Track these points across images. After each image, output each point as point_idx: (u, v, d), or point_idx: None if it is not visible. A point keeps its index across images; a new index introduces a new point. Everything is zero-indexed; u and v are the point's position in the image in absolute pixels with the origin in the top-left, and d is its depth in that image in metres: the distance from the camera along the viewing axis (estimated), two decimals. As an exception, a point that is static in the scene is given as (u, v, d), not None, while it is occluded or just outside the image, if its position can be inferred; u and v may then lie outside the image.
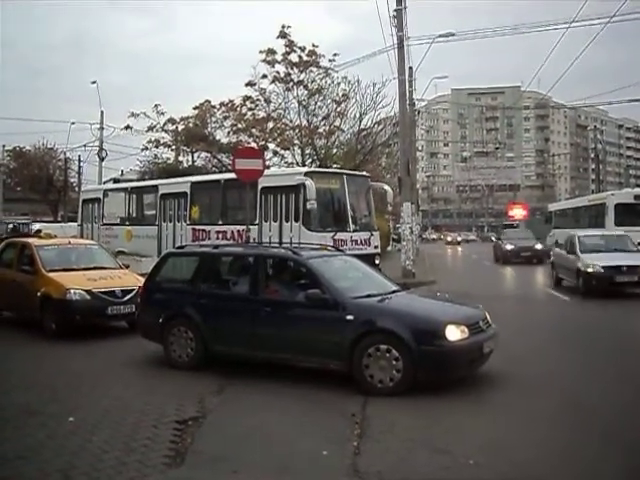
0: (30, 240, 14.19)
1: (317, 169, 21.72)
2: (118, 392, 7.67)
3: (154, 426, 6.31)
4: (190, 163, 38.48)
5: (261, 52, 32.15)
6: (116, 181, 28.63)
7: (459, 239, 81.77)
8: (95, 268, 12.54)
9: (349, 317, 7.79)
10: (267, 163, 23.17)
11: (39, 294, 11.62)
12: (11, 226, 36.36)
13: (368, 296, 8.28)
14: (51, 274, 11.88)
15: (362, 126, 33.25)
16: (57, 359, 9.84)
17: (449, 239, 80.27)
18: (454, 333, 7.53)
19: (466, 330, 7.64)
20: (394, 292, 8.80)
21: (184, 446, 5.86)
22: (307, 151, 33.82)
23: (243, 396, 7.63)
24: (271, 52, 32.16)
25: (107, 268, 12.73)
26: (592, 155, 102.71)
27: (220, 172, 29.36)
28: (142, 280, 12.27)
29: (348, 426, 6.38)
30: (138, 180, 30.49)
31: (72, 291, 11.29)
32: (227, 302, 9.01)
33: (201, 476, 5.36)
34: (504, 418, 6.76)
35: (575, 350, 10.40)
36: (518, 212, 61.90)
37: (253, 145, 31.10)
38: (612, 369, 8.87)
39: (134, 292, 11.51)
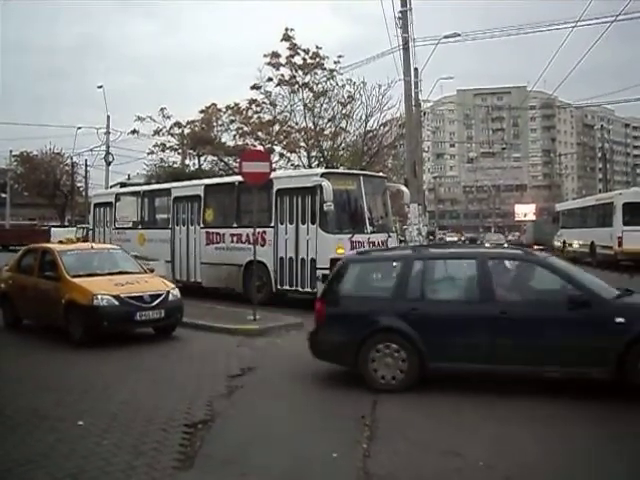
0: (52, 245, 13.69)
1: (334, 170, 21.59)
2: (127, 396, 7.68)
3: (163, 430, 6.32)
4: (197, 166, 38.59)
5: (265, 56, 32.27)
6: (123, 185, 28.72)
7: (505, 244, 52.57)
8: (120, 273, 12.11)
9: (619, 319, 7.20)
10: (274, 166, 23.17)
11: (64, 301, 11.21)
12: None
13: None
14: (76, 280, 11.45)
15: (368, 128, 33.28)
16: (68, 364, 9.81)
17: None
18: None
19: None
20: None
21: (193, 450, 5.86)
22: (313, 153, 33.87)
23: (252, 399, 7.64)
24: (275, 55, 32.26)
25: (132, 272, 12.30)
26: (599, 154, 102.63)
27: (227, 175, 29.39)
28: (169, 284, 12.19)
29: (358, 428, 6.37)
30: (145, 184, 30.55)
31: (99, 297, 10.88)
32: (451, 311, 7.93)
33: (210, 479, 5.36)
34: (514, 419, 6.72)
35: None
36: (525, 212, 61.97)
37: (259, 148, 31.15)
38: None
39: (162, 297, 11.35)
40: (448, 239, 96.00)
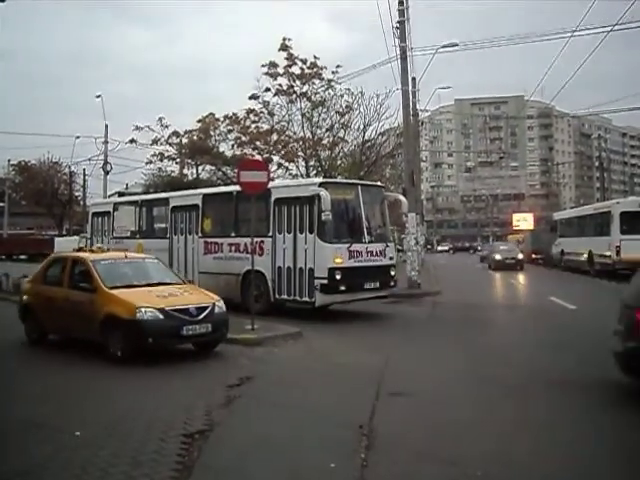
0: (83, 254, 12.63)
1: (332, 180, 21.68)
2: (125, 406, 7.65)
3: (161, 439, 6.29)
4: (195, 176, 38.66)
5: (263, 65, 32.38)
6: (121, 194, 28.74)
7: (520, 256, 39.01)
8: (159, 284, 11.32)
9: None
10: (272, 175, 23.20)
11: (102, 314, 10.39)
12: None
13: None
14: (114, 291, 10.62)
15: (366, 137, 33.37)
16: (68, 374, 9.73)
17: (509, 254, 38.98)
18: None
19: None
20: None
21: (191, 459, 5.83)
22: (311, 163, 33.96)
23: (250, 409, 7.62)
24: (273, 65, 32.35)
25: (171, 284, 11.56)
26: (596, 163, 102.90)
27: (225, 185, 29.43)
28: (214, 296, 11.35)
29: (355, 438, 6.35)
30: (143, 193, 30.58)
31: (143, 310, 10.06)
32: None
33: (209, 490, 5.35)
34: (513, 427, 6.72)
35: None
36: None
37: (257, 157, 31.22)
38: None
39: (209, 310, 10.64)
40: (439, 249, 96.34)
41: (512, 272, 34.52)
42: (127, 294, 10.58)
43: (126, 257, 12.53)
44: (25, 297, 12.79)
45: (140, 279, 11.46)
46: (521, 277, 31.88)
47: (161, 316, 10.12)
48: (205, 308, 10.62)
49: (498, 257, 38.84)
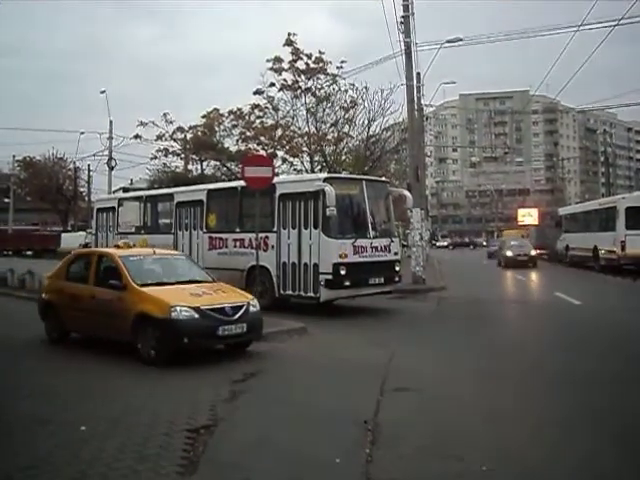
0: (110, 250, 12.24)
1: (336, 175, 21.64)
2: (130, 400, 7.67)
3: (166, 434, 6.30)
4: (199, 172, 38.68)
5: (268, 61, 32.36)
6: (126, 190, 28.82)
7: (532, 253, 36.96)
8: (189, 282, 10.95)
9: None
10: (276, 171, 23.20)
11: (133, 313, 9.95)
12: None
13: None
14: (145, 289, 10.20)
15: (370, 132, 33.33)
16: (80, 373, 9.63)
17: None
18: None
19: None
20: None
21: (196, 454, 5.83)
22: (316, 158, 33.93)
23: (255, 404, 7.62)
24: (278, 60, 32.31)
25: (202, 282, 11.15)
26: (602, 158, 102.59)
27: (230, 180, 29.44)
28: (247, 295, 11.05)
29: (360, 433, 6.35)
30: (148, 189, 30.61)
31: (177, 309, 9.61)
32: None
33: (213, 484, 5.35)
34: (518, 422, 6.72)
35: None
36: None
37: (262, 153, 31.21)
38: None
39: (244, 309, 10.25)
40: (438, 244, 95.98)
41: (520, 268, 33.65)
42: (159, 292, 10.19)
43: (154, 253, 12.06)
44: (45, 294, 12.34)
45: (170, 277, 11.11)
46: (525, 273, 31.75)
47: (197, 315, 9.70)
48: (240, 307, 10.26)
49: (509, 254, 36.73)
